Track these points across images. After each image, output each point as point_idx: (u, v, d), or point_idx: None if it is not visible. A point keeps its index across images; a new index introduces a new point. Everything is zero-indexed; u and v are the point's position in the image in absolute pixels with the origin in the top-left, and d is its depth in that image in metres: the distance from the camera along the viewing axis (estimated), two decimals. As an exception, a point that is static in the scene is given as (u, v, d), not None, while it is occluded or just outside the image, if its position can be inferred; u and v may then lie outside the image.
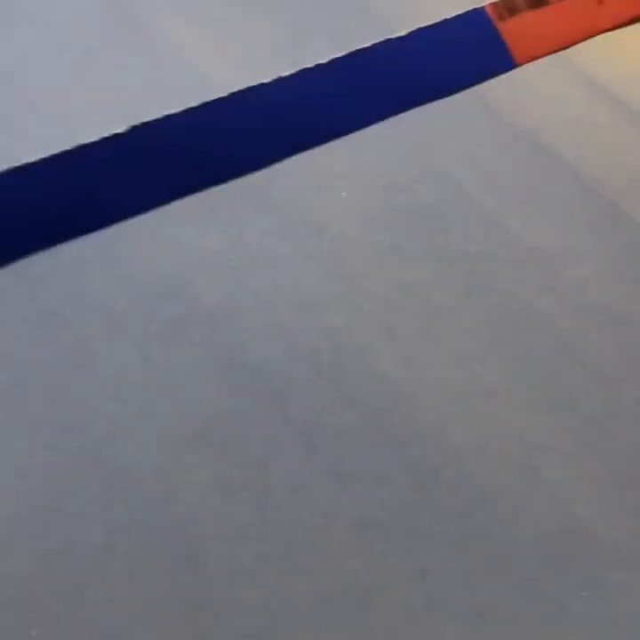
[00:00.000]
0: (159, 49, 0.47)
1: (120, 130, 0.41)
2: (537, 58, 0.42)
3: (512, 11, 0.43)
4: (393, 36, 0.45)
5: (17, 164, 0.38)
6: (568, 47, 0.43)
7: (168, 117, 0.44)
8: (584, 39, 0.43)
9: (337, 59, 0.44)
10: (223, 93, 0.42)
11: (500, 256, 0.40)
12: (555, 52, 0.43)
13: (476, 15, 0.43)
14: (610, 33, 0.49)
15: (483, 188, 0.41)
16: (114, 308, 0.37)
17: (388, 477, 0.34)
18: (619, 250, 0.40)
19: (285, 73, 0.43)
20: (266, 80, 0.44)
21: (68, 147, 0.39)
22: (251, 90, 0.44)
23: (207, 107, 0.44)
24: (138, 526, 0.33)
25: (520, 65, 0.42)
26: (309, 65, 0.43)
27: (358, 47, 0.46)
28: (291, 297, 0.38)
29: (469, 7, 0.46)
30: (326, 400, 0.36)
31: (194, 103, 0.43)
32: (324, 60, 0.44)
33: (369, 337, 0.37)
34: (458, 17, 0.43)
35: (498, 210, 0.41)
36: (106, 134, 0.42)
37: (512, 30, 0.42)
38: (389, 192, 0.41)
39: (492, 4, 0.43)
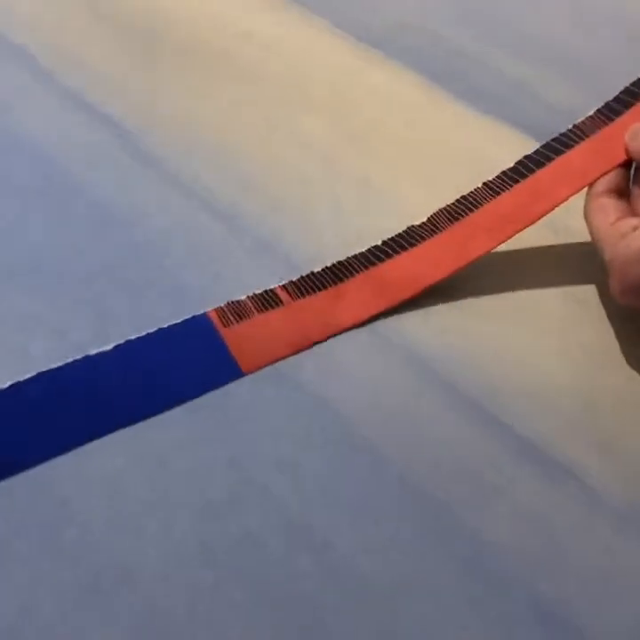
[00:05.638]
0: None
1: None
2: (266, 365, 0.40)
3: (239, 315, 0.42)
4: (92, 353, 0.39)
5: None
6: (302, 350, 0.42)
7: None
8: (321, 339, 0.42)
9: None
10: None
11: (330, 589, 0.31)
12: (286, 356, 0.41)
13: (195, 322, 0.41)
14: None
15: (306, 503, 0.35)
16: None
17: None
18: (457, 564, 0.32)
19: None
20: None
21: None
22: None
23: None
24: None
25: (248, 373, 0.40)
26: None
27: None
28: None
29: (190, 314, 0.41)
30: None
31: None
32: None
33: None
34: (175, 325, 0.41)
35: (325, 527, 0.34)
36: None
37: (238, 336, 0.41)
38: (208, 517, 0.34)
39: (217, 309, 0.42)
